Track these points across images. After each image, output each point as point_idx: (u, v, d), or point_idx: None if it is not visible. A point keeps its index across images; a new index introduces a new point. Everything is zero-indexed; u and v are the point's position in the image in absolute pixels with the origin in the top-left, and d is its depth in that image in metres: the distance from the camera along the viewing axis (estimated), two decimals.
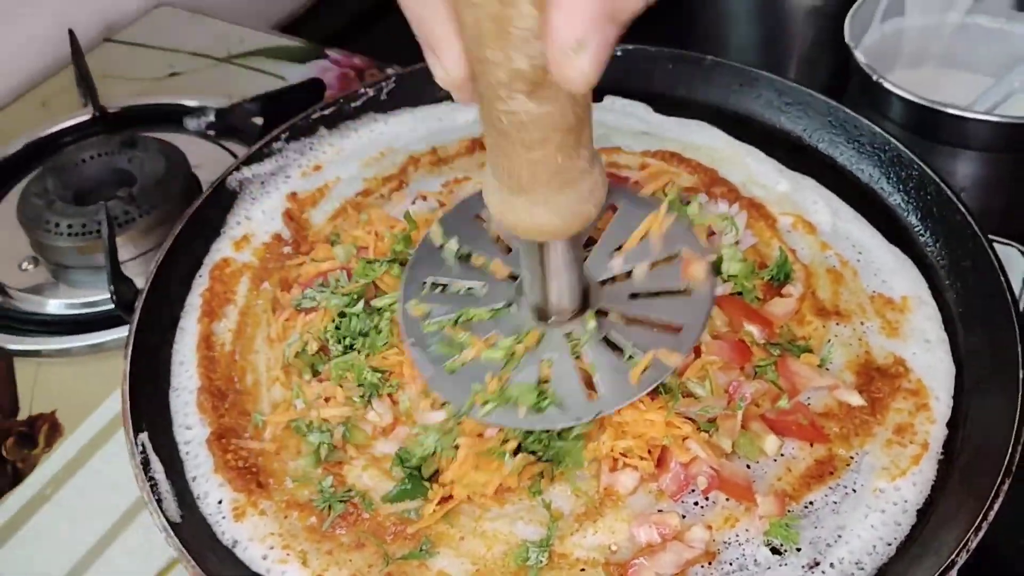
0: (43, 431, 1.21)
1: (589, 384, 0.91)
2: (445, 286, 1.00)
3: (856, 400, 0.99)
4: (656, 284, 0.96)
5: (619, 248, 0.99)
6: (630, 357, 0.91)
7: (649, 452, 0.93)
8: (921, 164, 1.13)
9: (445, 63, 0.66)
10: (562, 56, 0.60)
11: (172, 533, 0.90)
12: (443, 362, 0.94)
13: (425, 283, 1.00)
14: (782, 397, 0.97)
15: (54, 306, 1.35)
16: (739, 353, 0.99)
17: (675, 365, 0.91)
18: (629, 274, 0.97)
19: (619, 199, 1.03)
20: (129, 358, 1.02)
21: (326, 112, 1.31)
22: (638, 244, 0.98)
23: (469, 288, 0.99)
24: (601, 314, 0.95)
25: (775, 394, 0.98)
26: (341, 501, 0.93)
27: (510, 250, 1.01)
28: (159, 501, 0.93)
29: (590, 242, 1.01)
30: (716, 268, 1.05)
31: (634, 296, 0.96)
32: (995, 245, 1.25)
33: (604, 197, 0.79)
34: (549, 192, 0.74)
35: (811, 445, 0.96)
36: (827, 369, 1.01)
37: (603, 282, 0.98)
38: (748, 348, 1.00)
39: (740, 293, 1.05)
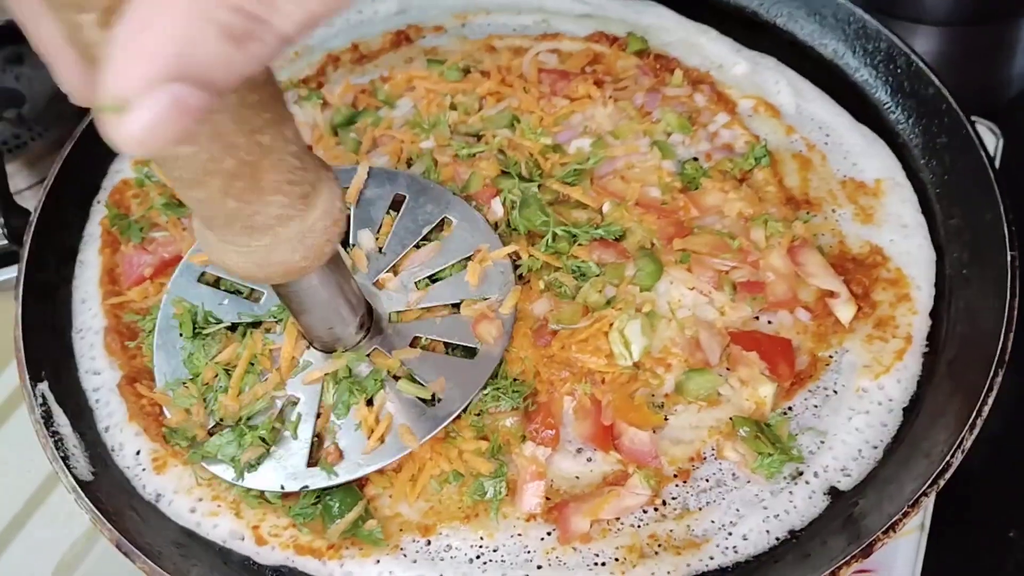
0: None
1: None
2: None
3: (847, 316, 0.90)
4: (446, 334, 0.86)
5: (430, 279, 0.89)
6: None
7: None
8: (889, 35, 1.04)
9: (66, 79, 0.54)
10: (104, 111, 0.44)
11: (82, 493, 0.80)
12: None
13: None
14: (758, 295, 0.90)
15: None
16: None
17: (413, 447, 0.80)
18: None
19: (453, 210, 0.92)
20: (21, 299, 0.91)
21: None
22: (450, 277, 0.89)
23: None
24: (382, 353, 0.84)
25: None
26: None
27: None
28: (65, 458, 0.82)
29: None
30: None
31: (416, 341, 0.86)
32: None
33: (327, 248, 0.67)
34: (233, 235, 0.64)
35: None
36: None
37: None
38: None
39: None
